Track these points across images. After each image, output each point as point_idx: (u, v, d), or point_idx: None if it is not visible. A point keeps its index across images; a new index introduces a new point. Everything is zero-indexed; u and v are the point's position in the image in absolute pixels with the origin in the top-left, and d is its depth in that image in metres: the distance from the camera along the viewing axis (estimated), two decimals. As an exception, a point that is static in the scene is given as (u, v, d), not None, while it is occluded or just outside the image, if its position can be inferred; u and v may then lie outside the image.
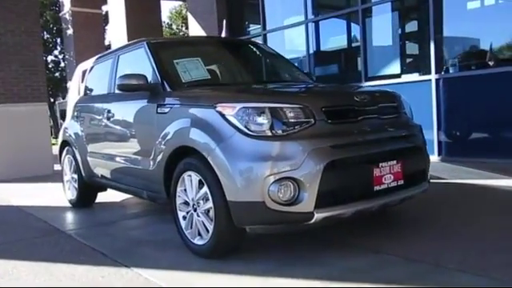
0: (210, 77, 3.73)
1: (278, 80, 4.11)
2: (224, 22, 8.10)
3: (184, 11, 28.09)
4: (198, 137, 2.93)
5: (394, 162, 2.93)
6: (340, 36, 8.54)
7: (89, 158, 4.59)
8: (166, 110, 3.30)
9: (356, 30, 7.88)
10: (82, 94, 5.03)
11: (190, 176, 3.06)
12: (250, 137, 2.70)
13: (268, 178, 2.62)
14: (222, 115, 2.84)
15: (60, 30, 21.45)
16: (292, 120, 2.73)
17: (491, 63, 6.07)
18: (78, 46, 17.51)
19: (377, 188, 2.85)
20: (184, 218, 3.18)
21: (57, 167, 8.49)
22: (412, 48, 7.52)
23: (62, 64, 23.71)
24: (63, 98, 29.58)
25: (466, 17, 6.72)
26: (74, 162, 4.95)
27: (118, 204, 5.15)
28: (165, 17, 29.68)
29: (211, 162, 2.80)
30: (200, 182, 2.97)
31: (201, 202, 2.98)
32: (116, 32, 14.47)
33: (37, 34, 8.33)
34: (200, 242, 3.01)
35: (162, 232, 3.71)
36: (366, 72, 7.54)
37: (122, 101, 4.00)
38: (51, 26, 23.56)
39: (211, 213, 2.92)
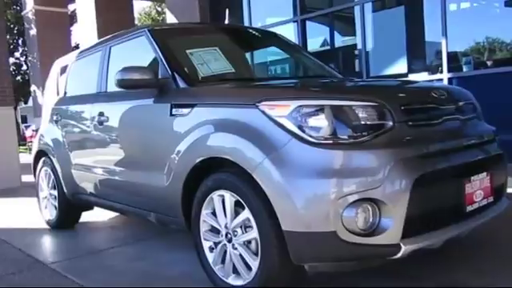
0: (233, 70, 3.03)
1: (311, 74, 3.44)
2: (227, 11, 7.36)
3: (153, 12, 27.14)
4: (235, 145, 2.24)
5: (484, 174, 2.33)
6: (335, 33, 7.97)
7: (73, 171, 3.81)
8: (185, 111, 2.59)
9: (355, 26, 7.34)
10: (61, 94, 4.23)
11: (221, 196, 2.37)
12: (313, 145, 2.03)
13: (342, 200, 1.96)
14: (269, 116, 2.16)
15: (22, 30, 20.17)
16: (368, 122, 2.08)
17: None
18: (43, 47, 16.34)
19: (469, 208, 2.23)
20: (211, 249, 2.48)
21: (25, 179, 7.59)
22: (420, 45, 7.02)
23: (25, 67, 22.33)
24: (25, 103, 28.06)
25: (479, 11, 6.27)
26: (52, 176, 4.15)
27: (105, 224, 4.37)
28: (133, 18, 28.56)
29: (258, 179, 2.11)
30: (237, 203, 2.29)
31: (238, 230, 2.29)
32: (85, 31, 13.51)
33: (0, 29, 7.40)
34: (237, 283, 2.31)
35: (175, 263, 2.98)
36: (368, 72, 6.99)
37: (118, 101, 3.25)
38: (12, 26, 22.19)
39: (253, 244, 2.24)
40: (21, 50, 22.60)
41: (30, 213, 4.98)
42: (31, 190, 6.87)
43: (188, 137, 2.53)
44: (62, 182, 3.97)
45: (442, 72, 6.08)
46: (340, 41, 7.98)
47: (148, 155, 2.89)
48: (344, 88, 2.62)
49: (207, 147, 2.39)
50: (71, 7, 19.24)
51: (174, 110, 2.66)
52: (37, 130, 15.80)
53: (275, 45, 3.85)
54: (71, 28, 18.25)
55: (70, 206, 4.06)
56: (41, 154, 4.38)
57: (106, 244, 3.65)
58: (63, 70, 4.28)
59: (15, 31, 22.41)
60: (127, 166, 3.11)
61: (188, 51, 2.99)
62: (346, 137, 2.05)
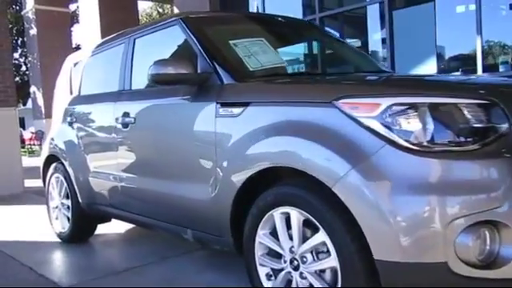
0: (286, 63, 2.62)
1: (369, 70, 3.03)
2: (255, 3, 7.01)
3: (155, 13, 26.74)
4: (308, 153, 1.83)
5: None
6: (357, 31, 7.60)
7: (91, 179, 3.38)
8: (236, 110, 2.17)
9: (380, 24, 6.96)
10: (75, 93, 3.81)
11: (285, 214, 1.96)
12: (416, 153, 1.62)
13: (455, 223, 1.55)
14: (351, 117, 1.75)
15: (21, 30, 19.73)
16: (479, 124, 1.67)
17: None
18: (43, 48, 15.97)
19: None
20: (269, 276, 2.07)
21: (28, 183, 7.15)
22: (451, 44, 6.63)
23: (23, 68, 21.86)
24: (24, 105, 27.56)
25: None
26: (65, 184, 3.72)
27: (122, 238, 3.95)
28: (134, 19, 28.20)
29: (341, 195, 1.70)
30: (306, 223, 1.88)
31: (308, 256, 1.88)
32: (87, 32, 13.13)
33: (3, 26, 6.97)
34: (306, 321, 1.90)
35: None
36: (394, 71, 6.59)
37: (147, 100, 2.84)
38: (11, 26, 21.73)
39: (329, 274, 1.83)
40: (20, 50, 22.14)
41: (38, 223, 4.56)
42: (35, 197, 6.46)
43: (241, 141, 2.12)
44: (77, 190, 3.54)
45: (476, 72, 5.70)
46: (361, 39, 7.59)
47: (186, 163, 2.47)
48: (444, 83, 2.19)
49: (270, 154, 1.98)
50: (72, 7, 18.81)
51: (221, 109, 2.25)
52: (36, 133, 15.34)
53: (319, 36, 3.44)
54: (71, 29, 17.78)
55: (85, 217, 3.63)
56: (52, 158, 3.95)
57: (126, 262, 3.22)
58: (77, 66, 3.86)
59: (14, 31, 21.96)
60: (158, 175, 2.68)
61: (231, 42, 2.57)
62: (456, 143, 1.65)
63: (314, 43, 3.25)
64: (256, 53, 2.51)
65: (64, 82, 4.05)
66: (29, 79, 17.12)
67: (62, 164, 3.74)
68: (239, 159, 2.10)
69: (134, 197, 2.96)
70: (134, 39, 3.13)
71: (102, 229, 3.90)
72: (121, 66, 3.17)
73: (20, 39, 21.14)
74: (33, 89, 16.44)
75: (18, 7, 21.07)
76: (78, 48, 22.97)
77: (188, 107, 2.48)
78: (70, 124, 3.67)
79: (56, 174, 3.87)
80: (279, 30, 3.06)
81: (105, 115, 3.22)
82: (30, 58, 16.60)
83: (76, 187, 3.55)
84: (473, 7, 5.65)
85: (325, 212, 1.78)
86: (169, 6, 19.51)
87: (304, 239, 1.90)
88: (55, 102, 4.19)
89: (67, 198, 3.74)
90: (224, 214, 2.21)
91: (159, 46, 2.97)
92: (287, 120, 1.94)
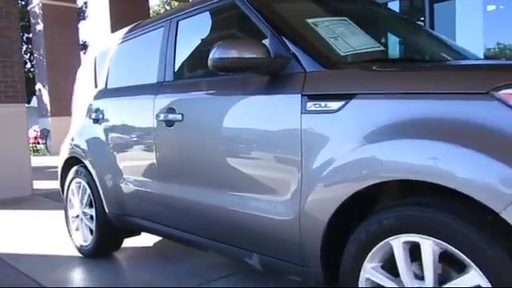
0: (381, 47, 2.12)
1: (460, 56, 2.52)
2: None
3: (162, 11, 26.27)
4: (459, 163, 1.32)
5: None
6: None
7: (122, 186, 2.88)
8: (334, 105, 1.67)
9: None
10: (101, 86, 3.31)
11: (408, 244, 1.46)
12: None
13: None
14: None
15: (26, 26, 19.25)
16: None
17: None
18: (49, 44, 15.53)
19: None
20: (379, 323, 1.56)
21: (37, 185, 6.66)
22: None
23: (28, 65, 21.38)
24: (28, 103, 27.12)
25: None
26: (88, 190, 3.22)
27: (152, 253, 3.45)
28: (140, 17, 27.84)
29: (517, 224, 1.20)
30: (444, 257, 1.38)
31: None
32: (96, 27, 12.63)
33: (13, 16, 6.47)
34: None
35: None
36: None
37: (202, 92, 2.35)
38: (16, 22, 21.24)
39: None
40: (25, 47, 21.66)
41: (53, 233, 4.06)
42: (46, 201, 5.96)
43: (344, 144, 1.62)
44: (103, 198, 3.05)
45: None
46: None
47: (256, 171, 1.96)
48: None
49: (395, 164, 1.47)
50: (79, 2, 18.37)
51: (309, 103, 1.74)
52: (41, 131, 14.88)
53: (399, 21, 2.93)
54: (79, 24, 17.31)
55: (112, 229, 3.13)
56: (72, 161, 3.45)
57: (163, 284, 2.72)
58: (103, 56, 3.36)
59: (19, 27, 21.47)
60: (215, 185, 2.18)
61: (309, 21, 2.07)
62: None
63: (397, 27, 2.74)
64: (343, 34, 2.01)
65: (87, 75, 3.55)
66: (34, 76, 16.65)
67: (85, 167, 3.25)
68: (342, 168, 1.60)
69: (178, 210, 2.46)
70: (177, 21, 2.63)
71: (127, 241, 3.40)
72: (160, 53, 2.67)
73: (25, 35, 20.64)
74: (38, 86, 15.98)
75: (23, 2, 20.60)
76: (84, 45, 22.52)
77: (258, 102, 1.98)
78: (96, 121, 3.17)
79: (77, 179, 3.37)
80: (357, 10, 2.55)
81: (141, 111, 2.72)
82: (35, 55, 16.13)
83: (102, 195, 3.05)
84: None
85: (483, 245, 1.28)
86: (177, 3, 19.05)
87: (441, 279, 1.40)
88: (76, 97, 3.69)
89: (90, 206, 3.25)
90: (312, 237, 1.71)
91: (211, 29, 2.48)
92: (422, 118, 1.43)
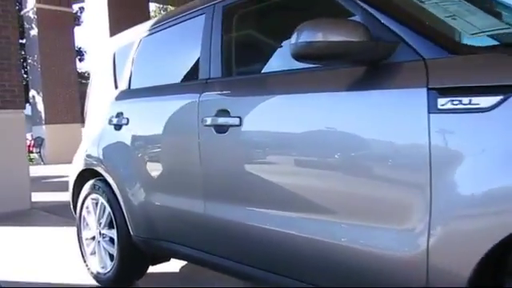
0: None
1: None
2: None
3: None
4: None
5: None
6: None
7: (155, 205, 2.40)
8: (485, 101, 1.22)
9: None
10: (122, 86, 2.84)
11: None
12: None
13: None
14: None
15: (20, 32, 18.73)
16: None
17: None
18: (44, 50, 15.03)
19: None
20: None
21: (34, 197, 6.13)
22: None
23: (22, 71, 20.77)
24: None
25: None
26: (108, 209, 2.74)
27: (181, 278, 2.97)
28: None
29: None
30: None
31: None
32: (94, 32, 12.18)
33: (10, 15, 5.99)
34: None
35: None
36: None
37: (272, 90, 1.88)
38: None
39: None
40: (17, 53, 21.06)
41: (59, 255, 3.57)
42: (46, 215, 5.44)
43: (499, 158, 1.17)
44: (128, 218, 2.57)
45: None
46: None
47: (358, 192, 1.50)
48: None
49: None
50: (75, 6, 17.87)
51: (442, 99, 1.29)
52: (35, 140, 14.34)
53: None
54: (74, 29, 16.81)
55: (137, 255, 2.65)
56: (87, 174, 2.97)
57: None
58: (124, 51, 2.90)
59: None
60: (294, 209, 1.70)
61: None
62: None
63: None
64: (460, 14, 1.57)
65: (104, 74, 3.08)
66: (27, 83, 16.10)
67: (104, 181, 2.77)
68: (506, 193, 1.15)
69: (231, 236, 1.98)
70: (223, 6, 2.17)
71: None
72: (203, 45, 2.21)
73: (19, 41, 20.07)
74: (32, 93, 15.43)
75: (17, 7, 20.06)
76: (79, 51, 21.95)
77: (354, 100, 1.53)
78: (118, 127, 2.69)
79: (94, 195, 2.89)
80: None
81: (179, 114, 2.25)
82: (29, 61, 15.59)
83: (126, 214, 2.58)
84: None
85: None
86: (173, 8, 18.65)
87: None
88: (90, 100, 3.21)
89: (110, 227, 2.77)
90: (450, 280, 1.25)
91: (269, 10, 2.02)
92: None
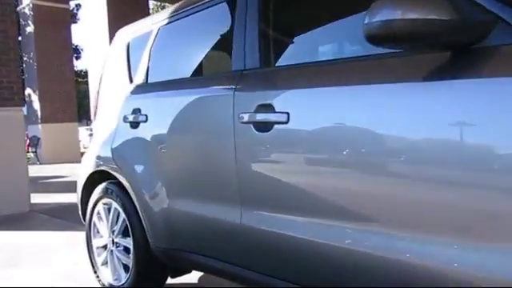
0: None
1: None
2: None
3: (155, 15, 25.53)
4: None
5: None
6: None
7: (179, 212, 2.15)
8: None
9: None
10: (138, 79, 2.58)
11: None
12: None
13: None
14: None
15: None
16: None
17: None
18: (40, 47, 14.72)
19: None
20: None
21: (34, 199, 5.85)
22: None
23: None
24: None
25: None
26: (123, 215, 2.48)
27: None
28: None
29: None
30: None
31: None
32: (92, 29, 11.87)
33: (8, 8, 5.71)
34: None
35: None
36: None
37: (326, 78, 1.61)
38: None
39: None
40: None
41: (64, 263, 3.30)
42: (46, 219, 5.16)
43: None
44: (147, 226, 2.31)
45: None
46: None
47: (455, 204, 1.25)
48: None
49: None
50: (72, 4, 17.52)
51: None
52: (31, 139, 14.01)
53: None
54: (71, 26, 16.48)
55: (155, 266, 2.40)
56: (97, 176, 2.71)
57: None
58: (141, 41, 2.63)
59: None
60: (372, 222, 1.45)
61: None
62: None
63: None
64: None
65: (116, 67, 2.82)
66: (23, 81, 15.76)
67: (119, 185, 2.51)
68: None
69: (276, 250, 1.73)
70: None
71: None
72: (236, 33, 1.95)
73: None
74: (28, 91, 15.09)
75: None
76: (76, 49, 21.56)
77: (441, 90, 1.28)
78: (135, 125, 2.43)
79: (106, 200, 2.63)
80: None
81: (209, 110, 2.00)
82: (25, 58, 15.24)
83: (145, 221, 2.32)
84: None
85: None
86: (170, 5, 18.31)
87: None
88: (100, 97, 2.95)
89: (125, 235, 2.51)
90: None
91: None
92: None
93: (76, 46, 20.19)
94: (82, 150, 15.60)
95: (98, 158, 2.69)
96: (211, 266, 2.08)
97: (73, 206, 5.86)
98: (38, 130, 14.49)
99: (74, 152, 14.26)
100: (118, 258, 2.58)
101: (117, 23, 10.93)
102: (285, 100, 1.67)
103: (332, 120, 1.52)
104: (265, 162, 1.74)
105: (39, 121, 14.54)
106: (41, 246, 3.87)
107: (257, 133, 1.73)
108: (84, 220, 2.89)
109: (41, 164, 13.74)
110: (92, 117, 2.92)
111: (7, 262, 3.47)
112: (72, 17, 19.30)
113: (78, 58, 21.95)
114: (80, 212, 2.93)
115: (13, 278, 3.07)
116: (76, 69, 19.16)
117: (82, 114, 25.42)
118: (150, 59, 2.50)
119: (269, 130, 1.68)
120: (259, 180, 1.76)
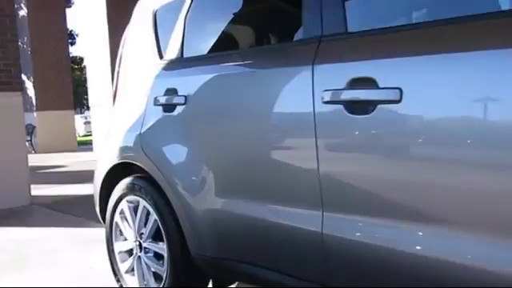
0: None
1: None
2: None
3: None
4: None
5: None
6: None
7: (232, 214, 1.75)
8: None
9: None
10: (171, 54, 2.16)
11: None
12: None
13: None
14: None
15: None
16: None
17: None
18: (34, 31, 14.18)
19: None
20: None
21: (34, 191, 5.43)
22: None
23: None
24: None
25: None
26: (155, 215, 2.08)
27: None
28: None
29: None
30: None
31: None
32: (89, 13, 11.34)
33: (6, -16, 5.23)
34: None
35: None
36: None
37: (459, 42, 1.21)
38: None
39: None
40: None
41: (77, 266, 2.90)
42: (51, 214, 4.73)
43: None
44: (187, 230, 1.91)
45: None
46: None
47: None
48: None
49: None
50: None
51: None
52: (26, 127, 13.57)
53: None
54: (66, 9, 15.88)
55: (195, 276, 2.01)
56: (120, 170, 2.31)
57: None
58: (172, 9, 2.21)
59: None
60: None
61: None
62: None
63: None
64: None
65: (141, 42, 2.39)
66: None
67: (148, 180, 2.11)
68: None
69: (388, 269, 1.34)
70: None
71: None
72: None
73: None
74: (22, 78, 14.53)
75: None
76: (70, 34, 20.82)
77: None
78: (169, 108, 2.02)
79: (131, 197, 2.23)
80: None
81: (277, 89, 1.59)
82: (18, 43, 14.67)
83: (184, 224, 1.92)
84: None
85: None
86: None
87: None
88: (120, 78, 2.52)
89: (156, 239, 2.12)
90: None
91: None
92: None
93: (71, 31, 19.55)
94: (78, 138, 15.15)
95: (122, 148, 2.28)
96: (270, 280, 1.70)
97: (75, 198, 5.50)
98: (33, 118, 14.01)
99: (70, 141, 13.85)
100: (146, 265, 2.18)
101: (116, 6, 10.47)
102: (394, 72, 1.27)
103: (467, 99, 1.12)
104: (360, 153, 1.35)
105: (34, 108, 14.05)
106: (47, 246, 3.47)
107: (349, 115, 1.33)
108: (102, 219, 2.49)
109: (36, 153, 13.28)
110: (112, 101, 2.50)
111: (11, 265, 3.07)
112: (66, 1, 18.68)
113: (72, 44, 21.35)
114: (98, 210, 2.52)
115: (19, 283, 2.67)
116: (70, 55, 18.60)
117: (76, 102, 24.86)
118: (186, 29, 2.08)
119: (370, 112, 1.28)
120: (351, 177, 1.37)
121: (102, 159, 2.45)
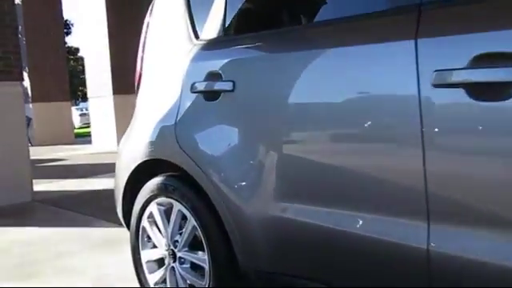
0: None
1: None
2: None
3: None
4: None
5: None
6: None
7: (301, 221, 1.46)
8: None
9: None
10: (208, 34, 1.85)
11: None
12: None
13: None
14: None
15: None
16: None
17: None
18: (29, 21, 13.78)
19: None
20: None
21: (35, 186, 5.11)
22: None
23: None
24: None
25: None
26: (193, 221, 1.78)
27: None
28: None
29: None
30: None
31: None
32: (86, 1, 10.96)
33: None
34: None
35: None
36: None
37: None
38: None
39: None
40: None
41: (92, 270, 2.61)
42: (55, 211, 4.42)
43: None
44: (236, 238, 1.62)
45: None
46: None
47: None
48: None
49: None
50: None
51: None
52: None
53: None
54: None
55: (242, 292, 1.72)
56: (147, 168, 2.01)
57: None
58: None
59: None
60: None
61: None
62: None
63: None
64: None
65: (171, 21, 2.08)
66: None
67: (184, 179, 1.81)
68: None
69: None
70: None
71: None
72: None
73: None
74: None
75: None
76: (66, 23, 20.30)
77: None
78: (212, 97, 1.72)
79: (162, 199, 1.93)
80: None
81: (364, 71, 1.29)
82: (19, 29, 14.24)
83: (233, 231, 1.63)
84: None
85: None
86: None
87: None
88: (145, 63, 2.20)
89: (194, 248, 1.82)
90: None
91: None
92: None
93: (66, 20, 19.08)
94: (75, 131, 14.81)
95: (150, 143, 1.97)
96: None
97: (80, 194, 5.18)
98: (29, 109, 13.62)
99: (67, 133, 13.52)
100: (182, 276, 1.89)
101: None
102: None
103: None
104: (489, 151, 1.06)
105: (30, 100, 13.67)
106: (56, 248, 3.17)
107: (474, 102, 1.04)
108: (126, 224, 2.19)
109: (33, 146, 12.92)
110: (135, 89, 2.19)
111: (22, 271, 2.77)
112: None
113: (68, 34, 20.87)
114: (120, 213, 2.22)
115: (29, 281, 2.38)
116: (66, 45, 18.18)
117: (71, 94, 24.39)
118: (229, 2, 1.78)
119: (506, 98, 0.99)
120: (476, 183, 1.08)
121: (125, 156, 2.15)
